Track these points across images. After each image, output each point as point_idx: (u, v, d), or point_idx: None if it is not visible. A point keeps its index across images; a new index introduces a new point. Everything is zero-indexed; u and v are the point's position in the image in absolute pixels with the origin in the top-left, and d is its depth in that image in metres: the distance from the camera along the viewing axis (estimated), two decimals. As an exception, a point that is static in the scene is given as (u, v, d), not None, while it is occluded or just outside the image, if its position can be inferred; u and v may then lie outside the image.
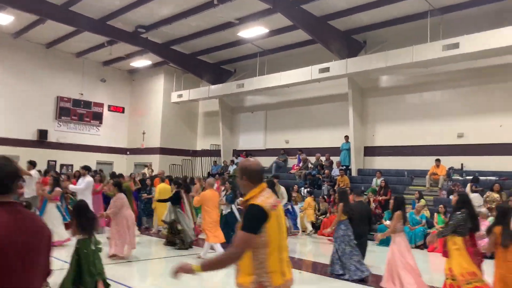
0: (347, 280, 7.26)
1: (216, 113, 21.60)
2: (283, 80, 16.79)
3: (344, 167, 15.73)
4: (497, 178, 12.28)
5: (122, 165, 23.31)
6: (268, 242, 2.70)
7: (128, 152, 23.92)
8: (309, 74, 15.82)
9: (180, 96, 21.42)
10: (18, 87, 20.05)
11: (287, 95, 18.96)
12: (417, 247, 10.89)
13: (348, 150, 15.94)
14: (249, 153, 19.95)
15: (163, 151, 22.21)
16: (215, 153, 21.55)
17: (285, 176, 17.53)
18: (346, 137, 16.03)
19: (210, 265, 2.76)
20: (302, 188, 15.44)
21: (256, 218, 2.69)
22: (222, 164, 20.14)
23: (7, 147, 19.54)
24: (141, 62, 21.73)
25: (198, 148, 23.22)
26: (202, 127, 23.62)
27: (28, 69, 20.44)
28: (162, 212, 10.52)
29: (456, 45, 12.01)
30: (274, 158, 18.81)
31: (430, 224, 11.15)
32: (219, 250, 8.27)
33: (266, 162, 19.12)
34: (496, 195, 10.97)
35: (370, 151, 16.33)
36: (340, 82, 16.11)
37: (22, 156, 19.72)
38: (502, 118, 13.22)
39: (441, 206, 11.00)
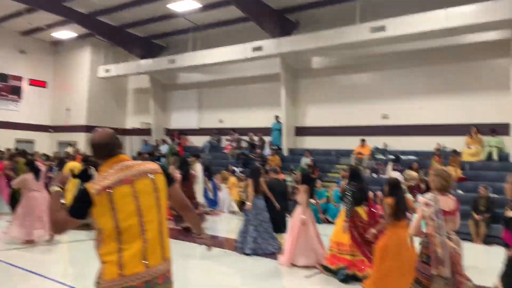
0: (258, 255, 7.39)
1: (147, 90, 20.79)
2: (216, 57, 16.43)
3: (276, 147, 15.82)
4: (416, 158, 12.93)
5: (45, 144, 21.89)
6: (101, 230, 2.34)
7: (51, 130, 22.46)
8: (242, 52, 15.60)
9: (107, 71, 20.32)
10: None
11: (221, 73, 18.66)
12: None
13: (279, 130, 16.03)
14: (183, 132, 19.53)
15: (89, 129, 21.04)
16: (146, 132, 20.83)
17: (218, 156, 17.36)
18: (277, 118, 16.09)
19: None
20: (236, 168, 15.39)
21: (77, 202, 2.36)
22: (154, 144, 19.52)
23: None
24: (65, 34, 20.28)
25: (128, 126, 22.32)
26: (132, 104, 22.68)
27: None
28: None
29: (382, 28, 12.31)
30: (208, 138, 18.57)
31: (354, 202, 11.53)
32: None
33: (200, 141, 18.87)
34: (414, 174, 11.53)
35: (301, 131, 16.55)
36: (273, 62, 16.04)
37: None
38: (423, 101, 13.87)
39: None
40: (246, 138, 16.86)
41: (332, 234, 6.23)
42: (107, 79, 21.10)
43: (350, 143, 14.75)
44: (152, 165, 2.54)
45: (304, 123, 16.51)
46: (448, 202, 4.00)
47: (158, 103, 20.61)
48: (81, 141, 20.68)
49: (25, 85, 21.51)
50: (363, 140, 14.00)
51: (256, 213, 7.65)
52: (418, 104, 13.90)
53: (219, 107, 18.91)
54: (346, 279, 5.88)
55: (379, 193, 10.42)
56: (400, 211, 4.92)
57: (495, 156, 12.16)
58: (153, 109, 20.38)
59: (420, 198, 4.31)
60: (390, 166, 12.38)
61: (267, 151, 15.56)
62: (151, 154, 18.20)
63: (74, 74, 21.73)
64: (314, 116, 16.21)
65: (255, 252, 7.46)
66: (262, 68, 17.11)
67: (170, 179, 2.61)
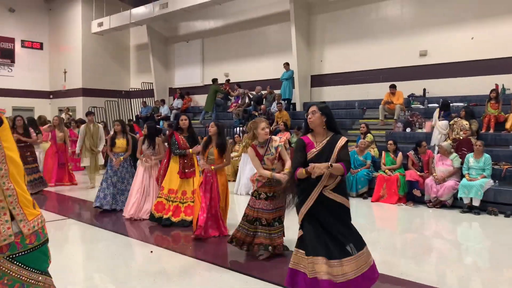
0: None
1: (147, 45, 18.24)
2: (212, -7, 13.51)
3: (285, 100, 12.90)
4: (465, 104, 9.63)
5: (46, 111, 20.04)
6: None
7: (51, 96, 20.59)
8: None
9: (100, 24, 17.88)
10: None
11: (225, 17, 15.80)
12: (359, 195, 8.35)
13: (289, 80, 13.03)
14: (185, 91, 16.95)
15: (86, 92, 18.94)
16: (148, 93, 18.43)
17: (225, 116, 14.69)
18: (286, 65, 13.05)
19: None
20: (238, 129, 12.70)
21: None
22: (154, 105, 17.10)
23: None
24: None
25: (132, 87, 20.01)
26: (135, 63, 20.27)
27: None
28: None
29: None
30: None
31: (378, 166, 8.55)
32: None
33: (204, 100, 16.21)
34: (465, 122, 8.35)
35: (318, 80, 13.48)
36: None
37: None
38: (475, 30, 10.39)
39: (390, 142, 8.35)
40: (252, 92, 14.01)
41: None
42: (104, 35, 18.71)
43: (378, 91, 11.60)
44: None
45: (321, 70, 13.40)
46: None
47: (159, 59, 18.05)
48: (79, 106, 18.67)
49: (18, 47, 19.57)
50: (392, 86, 10.76)
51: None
52: (469, 34, 10.43)
53: (224, 59, 16.11)
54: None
55: (410, 154, 7.46)
56: None
57: None
58: (154, 65, 17.86)
59: None
60: (436, 113, 9.17)
61: (274, 106, 12.68)
62: (150, 117, 15.84)
63: (69, 32, 19.51)
64: (333, 61, 13.05)
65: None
66: (269, 5, 14.06)
67: None
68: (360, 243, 3.27)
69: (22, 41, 19.68)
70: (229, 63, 15.94)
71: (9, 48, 19.22)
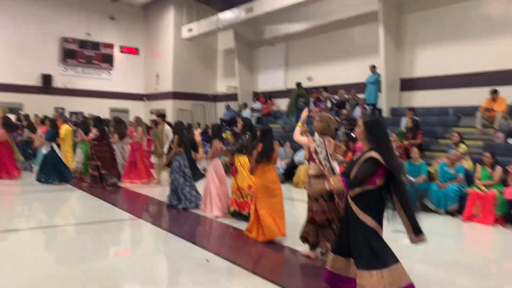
0: (185, 208, 7.31)
1: (233, 49, 18.51)
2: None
3: (371, 106, 12.18)
4: None
5: (140, 113, 21.29)
6: None
7: (144, 98, 21.82)
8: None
9: (190, 30, 18.55)
10: (17, 29, 18.35)
11: (309, 20, 15.46)
12: (448, 213, 7.49)
13: (375, 83, 12.27)
14: (268, 95, 16.90)
15: (176, 95, 19.76)
16: (233, 96, 18.68)
17: (308, 122, 14.29)
18: (373, 68, 12.33)
19: None
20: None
21: None
22: (237, 109, 17.28)
23: (10, 94, 18.22)
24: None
25: (218, 91, 20.46)
26: (222, 67, 20.71)
27: (27, 8, 18.56)
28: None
29: None
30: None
31: (471, 181, 7.59)
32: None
33: (286, 104, 15.97)
34: None
35: (408, 84, 12.53)
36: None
37: (26, 104, 18.45)
38: None
39: (488, 154, 7.34)
40: (335, 97, 13.46)
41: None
42: (193, 41, 19.39)
43: (476, 96, 10.43)
44: None
45: (412, 73, 12.44)
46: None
47: (243, 63, 18.20)
48: (169, 109, 19.52)
49: (116, 53, 21.04)
50: (494, 92, 9.58)
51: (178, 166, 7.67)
52: None
53: (308, 63, 15.74)
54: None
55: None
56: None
57: None
58: (238, 69, 18.05)
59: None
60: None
61: (357, 111, 12.03)
62: (232, 121, 16.03)
63: (161, 38, 20.54)
64: (425, 63, 12.04)
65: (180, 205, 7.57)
66: (356, 6, 13.44)
67: None
68: (366, 264, 3.17)
69: (121, 46, 21.11)
70: (312, 67, 15.53)
71: (109, 54, 20.73)
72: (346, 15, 13.96)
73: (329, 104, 13.19)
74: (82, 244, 5.30)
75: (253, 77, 18.48)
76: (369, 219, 3.23)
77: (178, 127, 7.83)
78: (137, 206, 8.18)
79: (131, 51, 21.44)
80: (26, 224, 6.54)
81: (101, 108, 19.47)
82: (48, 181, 9.62)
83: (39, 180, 9.67)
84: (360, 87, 13.01)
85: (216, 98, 20.23)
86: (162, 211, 7.52)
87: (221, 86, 20.30)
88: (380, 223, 3.29)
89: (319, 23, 15.10)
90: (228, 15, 16.49)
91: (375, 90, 12.26)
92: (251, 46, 18.37)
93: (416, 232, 3.19)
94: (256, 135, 5.88)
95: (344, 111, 11.96)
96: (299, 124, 4.85)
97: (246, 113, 16.33)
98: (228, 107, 17.57)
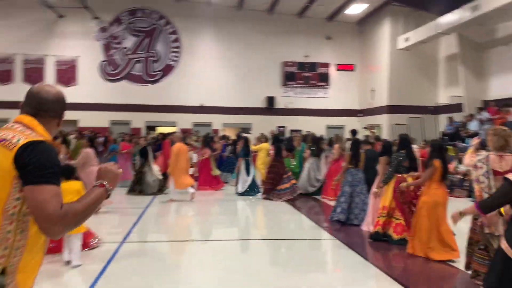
0: (357, 225, 7.24)
1: (456, 55, 16.58)
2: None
3: None
4: None
5: (354, 128, 21.27)
6: None
7: (360, 114, 21.63)
8: None
9: (407, 40, 17.53)
10: (245, 57, 20.81)
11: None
12: None
13: None
14: (502, 103, 14.42)
15: (391, 109, 18.86)
16: (456, 107, 16.66)
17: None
18: None
19: None
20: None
21: None
22: (464, 120, 15.28)
23: (241, 116, 20.74)
24: (356, 8, 19.11)
25: (439, 102, 18.63)
26: (443, 75, 18.78)
27: (252, 37, 20.87)
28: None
29: None
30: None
31: None
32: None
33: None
34: None
35: None
36: None
37: (254, 123, 20.67)
38: None
39: None
40: None
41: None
42: (410, 50, 18.26)
43: None
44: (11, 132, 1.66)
45: None
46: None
47: (469, 68, 16.06)
48: (384, 123, 18.81)
49: (332, 71, 21.56)
50: None
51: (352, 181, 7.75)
52: None
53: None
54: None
55: None
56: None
57: None
58: (463, 76, 16.02)
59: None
60: None
61: None
62: (455, 135, 14.32)
63: (376, 51, 20.05)
64: None
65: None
66: None
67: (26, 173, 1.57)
68: None
69: (336, 64, 21.54)
70: None
71: (325, 73, 21.41)
72: None
73: None
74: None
75: (482, 83, 16.11)
76: None
77: (352, 143, 7.89)
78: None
79: (347, 68, 21.63)
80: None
81: (319, 126, 20.19)
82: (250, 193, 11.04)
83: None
84: None
85: (436, 110, 18.46)
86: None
87: (443, 97, 18.42)
88: None
89: None
90: (449, 18, 14.86)
91: None
92: (479, 49, 16.08)
93: None
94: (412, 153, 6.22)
95: None
96: (469, 150, 4.42)
97: (473, 125, 14.30)
98: (450, 120, 15.73)
